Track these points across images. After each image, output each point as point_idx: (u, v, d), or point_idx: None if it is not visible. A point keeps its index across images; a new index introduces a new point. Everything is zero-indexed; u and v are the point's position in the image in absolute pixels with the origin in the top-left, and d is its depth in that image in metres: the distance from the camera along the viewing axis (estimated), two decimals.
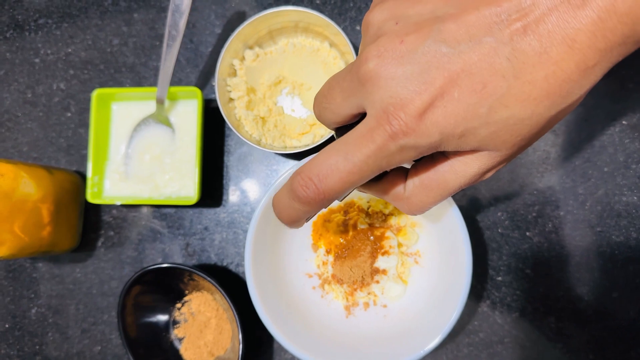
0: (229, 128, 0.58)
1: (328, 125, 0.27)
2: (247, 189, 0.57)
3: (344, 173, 0.23)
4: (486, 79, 0.20)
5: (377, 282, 0.50)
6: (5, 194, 0.49)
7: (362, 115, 0.24)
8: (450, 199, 0.44)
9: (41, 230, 0.52)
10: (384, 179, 0.27)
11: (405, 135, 0.21)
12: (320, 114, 0.26)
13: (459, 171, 0.24)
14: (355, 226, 0.51)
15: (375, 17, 0.24)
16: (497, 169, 0.24)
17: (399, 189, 0.27)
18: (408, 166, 0.27)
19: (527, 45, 0.19)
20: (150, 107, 0.55)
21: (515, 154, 0.23)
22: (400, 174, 0.27)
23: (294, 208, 0.25)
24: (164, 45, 0.51)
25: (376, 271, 0.50)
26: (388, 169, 0.23)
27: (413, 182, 0.26)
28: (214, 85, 0.58)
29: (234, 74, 0.54)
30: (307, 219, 0.27)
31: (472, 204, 0.52)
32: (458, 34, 0.20)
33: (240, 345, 0.48)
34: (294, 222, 0.27)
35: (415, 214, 0.27)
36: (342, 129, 0.26)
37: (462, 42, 0.20)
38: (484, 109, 0.20)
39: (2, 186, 0.49)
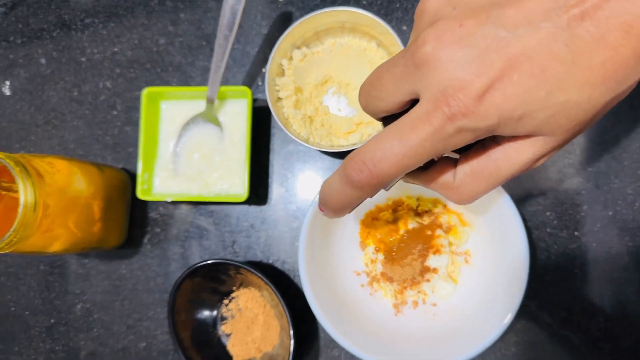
0: (274, 127, 0.58)
1: (375, 115, 0.27)
2: (293, 187, 0.57)
3: (399, 156, 0.23)
4: (545, 63, 0.20)
5: (428, 280, 0.50)
6: (61, 189, 0.49)
7: (412, 103, 0.24)
8: (508, 198, 0.44)
9: (92, 226, 0.53)
10: (432, 167, 0.27)
11: (464, 116, 0.21)
12: (367, 103, 0.26)
13: (511, 158, 0.24)
14: (405, 225, 0.51)
15: (431, 3, 0.24)
16: (549, 156, 0.24)
17: (448, 177, 0.27)
18: (456, 156, 0.27)
19: (584, 31, 0.19)
20: (199, 106, 0.56)
21: (568, 140, 0.23)
22: (449, 162, 0.27)
23: (346, 193, 0.25)
24: (216, 45, 0.51)
25: (427, 270, 0.50)
26: (443, 153, 0.23)
27: (463, 170, 0.26)
28: (260, 85, 0.58)
29: (282, 73, 0.55)
30: (353, 208, 0.27)
31: (520, 204, 0.53)
32: (517, 19, 0.20)
33: (292, 341, 0.48)
34: (344, 208, 0.27)
35: (465, 203, 0.27)
36: (389, 119, 0.26)
37: (521, 27, 0.20)
38: (543, 92, 0.21)
39: (58, 182, 0.49)
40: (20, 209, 0.44)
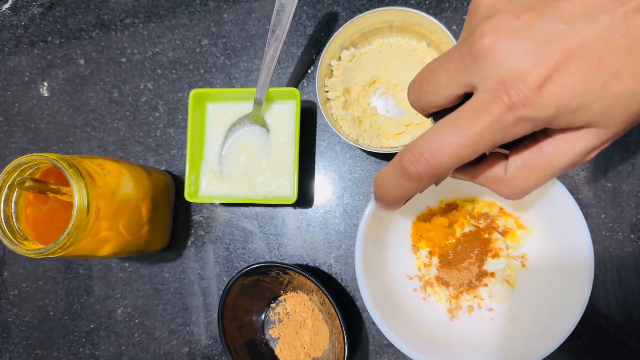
0: (320, 129, 0.57)
1: (425, 110, 0.27)
2: (340, 189, 0.56)
3: (457, 146, 0.23)
4: (602, 54, 0.20)
5: (485, 285, 0.49)
6: (112, 192, 0.49)
7: (464, 98, 0.24)
8: (571, 198, 0.43)
9: (140, 229, 0.52)
10: (483, 162, 0.27)
11: (523, 106, 0.21)
12: (418, 99, 0.26)
13: (563, 150, 0.24)
14: (461, 227, 0.50)
15: None
16: (601, 149, 0.24)
17: (499, 170, 0.26)
18: (506, 152, 0.26)
19: None
20: (245, 107, 0.55)
21: (621, 133, 0.23)
22: (500, 156, 0.27)
23: (402, 186, 0.26)
24: (267, 46, 0.51)
25: (484, 274, 0.49)
26: (501, 143, 0.23)
27: (515, 162, 0.25)
28: (305, 86, 0.58)
29: (330, 74, 0.54)
30: (407, 200, 0.28)
31: None
32: (573, 12, 0.21)
33: (346, 345, 0.48)
34: (398, 200, 0.27)
35: (516, 197, 0.26)
36: (438, 115, 0.26)
37: (578, 20, 0.21)
38: (599, 83, 0.21)
39: (109, 184, 0.48)
40: (75, 212, 0.43)
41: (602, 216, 0.52)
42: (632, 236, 0.51)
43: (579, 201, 0.52)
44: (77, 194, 0.44)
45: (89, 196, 0.44)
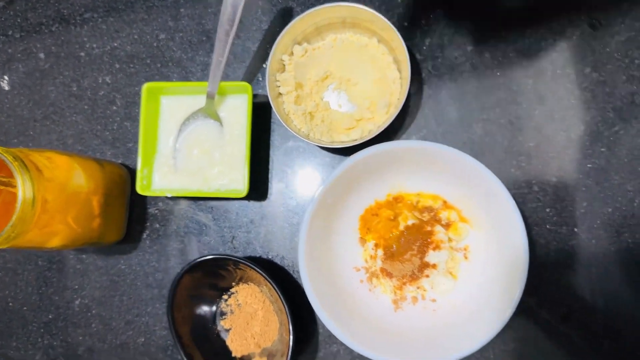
0: (274, 123, 0.58)
1: None
2: (293, 183, 0.57)
3: None
4: None
5: (427, 276, 0.50)
6: (60, 184, 0.49)
7: None
8: (509, 195, 0.44)
9: (92, 221, 0.53)
10: None
11: None
12: None
13: None
14: (404, 220, 0.51)
15: None
16: None
17: None
18: None
19: None
20: (199, 101, 0.56)
21: None
22: None
23: None
24: (217, 39, 0.51)
25: (426, 265, 0.50)
26: None
27: None
28: (260, 81, 0.58)
29: (282, 69, 0.55)
30: None
31: (520, 200, 0.53)
32: None
33: (291, 336, 0.48)
34: None
35: None
36: None
37: None
38: None
39: (57, 177, 0.49)
40: (19, 204, 0.44)
41: (547, 210, 0.52)
42: (575, 229, 0.52)
43: (525, 196, 0.53)
44: (22, 187, 0.44)
45: (34, 189, 0.45)
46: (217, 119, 0.55)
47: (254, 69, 0.59)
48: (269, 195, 0.57)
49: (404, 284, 0.51)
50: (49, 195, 0.48)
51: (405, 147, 0.46)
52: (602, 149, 0.52)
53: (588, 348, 0.51)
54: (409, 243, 0.50)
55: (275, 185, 0.57)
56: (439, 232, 0.50)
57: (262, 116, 0.58)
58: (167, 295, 0.52)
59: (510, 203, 0.44)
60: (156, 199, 0.59)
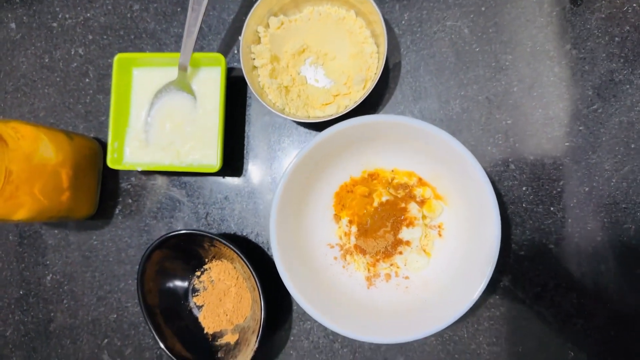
0: (250, 97, 0.57)
1: None
2: (268, 159, 0.56)
3: None
4: None
5: (400, 253, 0.50)
6: (26, 156, 0.48)
7: None
8: (483, 171, 0.43)
9: (60, 194, 0.52)
10: None
11: None
12: None
13: None
14: (379, 197, 0.50)
15: None
16: None
17: None
18: None
19: None
20: (172, 73, 0.54)
21: None
22: None
23: None
24: (189, 10, 0.50)
25: (399, 242, 0.50)
26: None
27: None
28: (236, 53, 0.57)
29: (257, 41, 0.54)
30: None
31: (496, 178, 0.52)
32: None
33: (262, 312, 0.48)
34: None
35: None
36: None
37: None
38: None
39: (23, 148, 0.48)
40: None
41: (524, 188, 0.52)
42: (551, 208, 0.51)
43: (501, 174, 0.52)
44: None
45: None
46: (190, 91, 0.54)
47: (229, 42, 0.58)
48: (244, 172, 0.57)
49: (378, 260, 0.50)
50: (14, 166, 0.46)
51: (380, 121, 0.45)
52: (580, 128, 0.51)
53: (561, 327, 0.51)
54: (382, 219, 0.49)
55: (250, 162, 0.56)
56: (413, 209, 0.49)
57: (238, 90, 0.57)
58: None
59: (484, 180, 0.43)
60: (129, 174, 0.58)
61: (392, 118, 0.45)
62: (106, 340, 0.58)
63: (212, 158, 0.53)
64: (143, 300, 0.51)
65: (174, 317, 0.53)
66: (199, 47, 0.57)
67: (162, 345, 0.50)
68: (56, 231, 0.59)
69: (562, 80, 0.52)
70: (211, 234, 0.49)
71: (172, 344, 0.50)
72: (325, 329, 0.54)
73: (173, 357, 0.50)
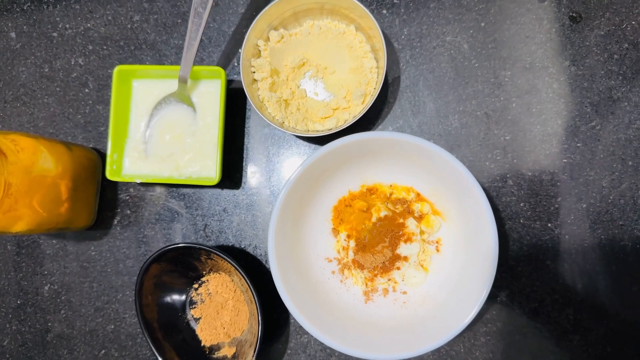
0: (249, 110, 0.57)
1: None
2: (267, 171, 0.56)
3: None
4: None
5: (398, 268, 0.50)
6: (25, 168, 0.48)
7: None
8: (480, 188, 0.43)
9: (59, 206, 0.52)
10: None
11: None
12: None
13: None
14: (377, 212, 0.50)
15: None
16: None
17: None
18: None
19: None
20: (172, 85, 0.55)
21: None
22: None
23: None
24: (190, 22, 0.50)
25: (397, 258, 0.50)
26: None
27: None
28: (236, 66, 0.57)
29: (258, 54, 0.54)
30: None
31: (494, 193, 0.52)
32: None
33: (260, 326, 0.48)
34: None
35: None
36: None
37: None
38: None
39: (22, 160, 0.48)
40: None
41: (521, 204, 0.52)
42: (549, 225, 0.52)
43: (499, 189, 0.52)
44: None
45: None
46: (190, 104, 0.54)
47: (230, 54, 0.58)
48: (242, 184, 0.57)
49: (375, 275, 0.50)
50: (13, 179, 0.47)
51: (378, 138, 0.46)
52: (579, 144, 0.52)
53: (558, 343, 0.51)
54: (381, 235, 0.50)
55: (249, 174, 0.56)
56: (411, 225, 0.49)
57: (237, 103, 0.57)
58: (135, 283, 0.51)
59: (481, 197, 0.44)
60: (127, 184, 0.58)
61: (390, 135, 0.45)
62: (103, 352, 0.58)
63: (211, 170, 0.53)
64: (141, 314, 0.51)
65: (171, 331, 0.53)
66: (199, 59, 0.57)
67: (159, 358, 0.50)
68: (54, 241, 0.59)
69: (560, 96, 0.52)
70: (209, 247, 0.49)
71: (171, 358, 0.50)
72: (321, 342, 0.54)
73: None
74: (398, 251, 0.50)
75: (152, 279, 0.52)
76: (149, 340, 0.51)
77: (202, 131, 0.54)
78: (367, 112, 0.53)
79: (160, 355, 0.50)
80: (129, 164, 0.55)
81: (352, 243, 0.51)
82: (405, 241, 0.49)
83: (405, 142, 0.45)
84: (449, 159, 0.44)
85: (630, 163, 0.51)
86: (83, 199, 0.55)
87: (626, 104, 0.51)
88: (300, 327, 0.54)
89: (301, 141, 0.56)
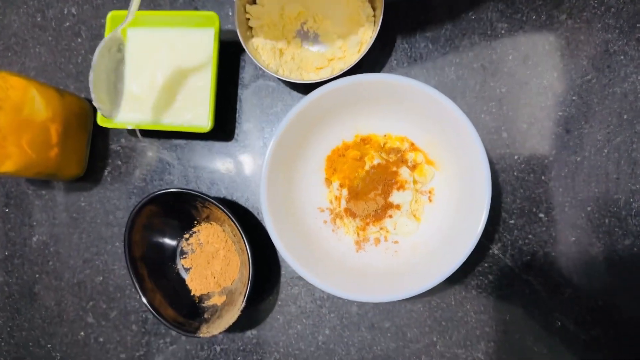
0: (244, 60, 0.56)
1: None
2: (260, 123, 0.56)
3: None
4: None
5: (390, 216, 0.49)
6: (14, 107, 0.47)
7: None
8: (477, 136, 0.43)
9: (48, 150, 0.51)
10: None
11: None
12: None
13: None
14: (370, 160, 0.50)
15: None
16: None
17: None
18: None
19: None
20: (167, 33, 0.54)
21: None
22: None
23: None
24: None
25: (390, 206, 0.49)
26: None
27: None
28: (230, 15, 0.56)
29: (253, 1, 0.53)
30: None
31: (489, 146, 0.52)
32: None
33: (250, 271, 0.47)
34: None
35: None
36: None
37: None
38: None
39: (12, 98, 0.47)
40: None
41: (515, 157, 0.52)
42: (543, 177, 0.51)
43: (494, 142, 0.52)
44: None
45: None
46: (183, 51, 0.54)
47: (224, 2, 0.57)
48: (235, 136, 0.56)
49: (367, 224, 0.50)
50: (1, 116, 0.46)
51: (371, 80, 0.45)
52: (574, 98, 0.51)
53: (549, 296, 0.51)
54: (373, 182, 0.49)
55: (242, 125, 0.56)
56: (404, 173, 0.49)
57: (231, 54, 0.56)
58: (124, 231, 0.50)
59: (477, 146, 0.43)
60: (119, 135, 0.57)
61: (385, 77, 0.45)
62: (91, 303, 0.57)
63: (203, 119, 0.52)
64: (130, 259, 0.50)
65: (161, 279, 0.53)
66: (193, 7, 0.57)
67: (143, 299, 0.49)
68: (43, 192, 0.58)
69: (557, 49, 0.52)
70: (201, 193, 0.49)
71: (154, 297, 0.50)
72: (312, 293, 0.54)
73: (152, 310, 0.49)
74: (390, 199, 0.49)
75: (141, 225, 0.51)
76: (138, 289, 0.50)
77: (195, 79, 0.53)
78: (362, 63, 0.53)
79: (149, 303, 0.50)
80: (121, 112, 0.54)
81: (345, 192, 0.51)
82: (398, 189, 0.49)
83: (399, 84, 0.45)
84: (443, 101, 0.44)
85: (625, 117, 0.51)
86: (73, 146, 0.54)
87: (622, 57, 0.51)
88: (291, 278, 0.54)
89: (295, 93, 0.56)
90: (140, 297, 0.49)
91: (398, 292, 0.44)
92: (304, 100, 0.45)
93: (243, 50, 0.56)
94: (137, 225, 0.50)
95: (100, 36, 0.58)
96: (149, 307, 0.49)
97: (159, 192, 0.49)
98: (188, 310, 0.51)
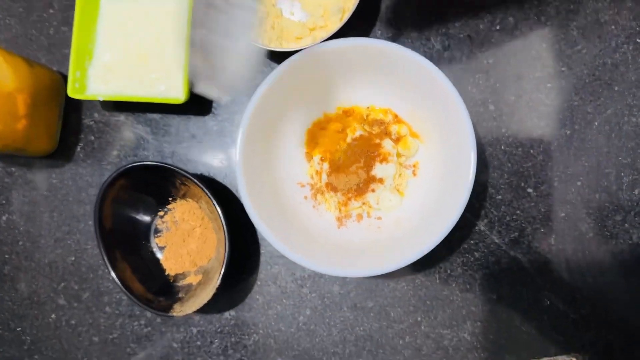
0: None
1: None
2: (239, 97, 0.53)
3: None
4: None
5: (373, 190, 0.47)
6: None
7: None
8: (465, 109, 0.41)
9: (16, 121, 0.49)
10: None
11: None
12: None
13: None
14: (352, 132, 0.48)
15: None
16: None
17: None
18: None
19: None
20: (142, 4, 0.52)
21: None
22: None
23: None
24: None
25: (372, 179, 0.47)
26: None
27: None
28: None
29: None
30: None
31: (475, 119, 0.50)
32: None
33: (226, 249, 0.45)
34: None
35: None
36: None
37: None
38: None
39: None
40: None
41: (503, 130, 0.50)
42: (531, 151, 0.50)
43: (480, 114, 0.50)
44: None
45: None
46: (157, 20, 0.51)
47: None
48: (212, 110, 0.54)
49: (349, 199, 0.48)
50: None
51: (354, 44, 0.43)
52: (563, 69, 0.50)
53: (538, 273, 0.49)
54: (355, 155, 0.47)
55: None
56: (388, 145, 0.47)
57: None
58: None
59: (464, 118, 0.41)
60: (91, 109, 0.55)
61: (372, 42, 0.43)
62: (63, 284, 0.55)
63: (178, 89, 0.50)
64: (100, 236, 0.48)
65: (134, 258, 0.50)
66: None
67: (112, 273, 0.47)
68: (14, 169, 0.56)
69: (546, 19, 0.50)
70: (178, 167, 0.47)
71: (124, 272, 0.48)
72: (293, 273, 0.52)
73: (119, 283, 0.47)
74: (373, 172, 0.47)
75: (113, 201, 0.49)
76: (110, 268, 0.48)
77: (168, 50, 0.51)
78: (345, 33, 0.50)
79: (118, 277, 0.47)
80: (93, 83, 0.52)
81: (326, 166, 0.49)
82: (381, 161, 0.47)
83: (383, 50, 0.43)
84: (428, 66, 0.42)
85: (616, 88, 0.49)
86: (43, 119, 0.52)
87: (613, 27, 0.49)
88: (271, 257, 0.52)
89: (274, 65, 0.53)
90: (108, 270, 0.47)
91: (381, 266, 0.42)
92: (281, 66, 0.43)
93: None
94: (109, 198, 0.48)
95: (72, 7, 0.55)
96: (117, 279, 0.47)
97: (133, 164, 0.47)
98: (161, 289, 0.49)
